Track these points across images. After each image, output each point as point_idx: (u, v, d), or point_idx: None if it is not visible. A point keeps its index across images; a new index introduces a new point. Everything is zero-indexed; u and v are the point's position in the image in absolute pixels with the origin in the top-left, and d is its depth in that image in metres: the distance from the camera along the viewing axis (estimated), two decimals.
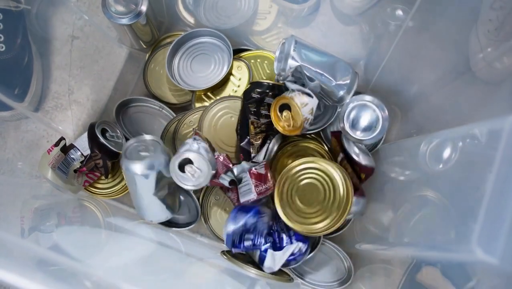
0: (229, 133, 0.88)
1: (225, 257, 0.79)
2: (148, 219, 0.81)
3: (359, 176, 0.82)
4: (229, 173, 0.78)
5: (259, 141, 0.83)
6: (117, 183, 0.89)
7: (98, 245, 0.75)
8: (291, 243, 0.77)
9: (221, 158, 0.78)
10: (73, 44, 0.94)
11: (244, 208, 0.77)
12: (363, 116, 0.78)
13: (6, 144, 0.89)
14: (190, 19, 0.94)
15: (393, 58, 0.84)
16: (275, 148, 0.85)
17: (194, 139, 0.76)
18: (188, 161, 0.75)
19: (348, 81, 0.79)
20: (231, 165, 0.79)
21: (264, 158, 0.83)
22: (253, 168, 0.78)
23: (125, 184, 0.89)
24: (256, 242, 0.77)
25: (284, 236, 0.77)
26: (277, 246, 0.77)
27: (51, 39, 0.93)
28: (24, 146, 0.90)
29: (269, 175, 0.78)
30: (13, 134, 0.90)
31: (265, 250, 0.77)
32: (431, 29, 0.81)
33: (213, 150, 0.78)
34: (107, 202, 0.90)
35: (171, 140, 0.88)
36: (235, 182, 0.78)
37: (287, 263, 0.77)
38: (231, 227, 0.76)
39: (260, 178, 0.77)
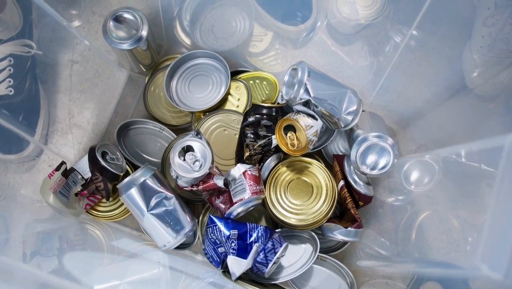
0: (222, 147, 0.89)
1: (226, 277, 0.79)
2: (160, 245, 0.80)
3: (357, 203, 0.83)
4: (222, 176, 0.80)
5: (254, 162, 0.84)
6: (118, 206, 0.89)
7: (101, 269, 0.75)
8: (251, 247, 0.77)
9: (214, 168, 0.80)
10: (73, 69, 0.94)
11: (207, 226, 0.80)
12: (378, 158, 0.79)
13: (7, 169, 0.89)
14: (189, 42, 0.96)
15: (391, 76, 0.86)
16: (271, 165, 0.85)
17: (197, 133, 0.78)
18: (188, 150, 0.77)
19: (354, 109, 0.80)
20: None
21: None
22: (248, 170, 0.79)
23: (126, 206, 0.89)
24: (227, 250, 0.78)
25: (240, 242, 0.78)
26: (241, 252, 0.77)
27: (51, 64, 0.94)
28: (25, 170, 0.91)
29: (261, 178, 0.82)
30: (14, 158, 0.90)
31: (226, 256, 0.78)
32: (426, 47, 0.82)
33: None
34: (109, 225, 0.90)
35: None
36: (229, 183, 0.79)
37: (258, 267, 0.77)
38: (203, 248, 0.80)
39: (254, 179, 0.79)
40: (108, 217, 0.89)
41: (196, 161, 0.76)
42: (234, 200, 0.78)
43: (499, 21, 0.73)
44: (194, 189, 0.79)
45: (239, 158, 0.85)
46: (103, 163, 0.82)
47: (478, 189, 0.56)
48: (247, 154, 0.83)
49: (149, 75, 0.95)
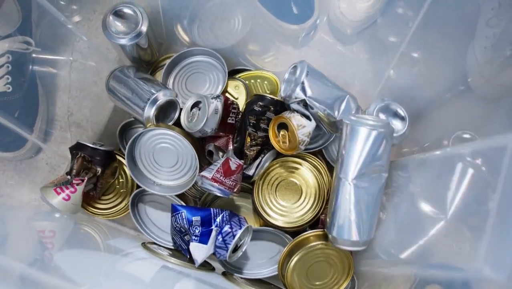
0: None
1: (226, 278, 0.79)
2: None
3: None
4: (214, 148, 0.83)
5: (253, 154, 0.83)
6: (117, 203, 0.89)
7: (97, 268, 0.74)
8: (211, 232, 0.77)
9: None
10: (72, 66, 0.94)
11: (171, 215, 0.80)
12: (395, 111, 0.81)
13: (5, 167, 0.89)
14: (189, 40, 0.95)
15: (392, 76, 0.85)
16: (267, 163, 0.84)
17: (218, 96, 0.80)
18: (196, 105, 0.81)
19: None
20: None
21: (255, 172, 0.83)
22: (231, 158, 0.80)
23: (124, 205, 0.89)
24: (190, 237, 0.78)
25: (203, 229, 0.77)
26: (204, 238, 0.77)
27: (51, 61, 0.93)
28: (23, 168, 0.90)
29: (237, 175, 0.80)
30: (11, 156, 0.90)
31: (188, 244, 0.78)
32: (429, 47, 0.82)
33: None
34: (106, 224, 0.89)
35: None
36: (211, 155, 0.82)
37: (219, 251, 0.77)
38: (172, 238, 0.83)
39: (227, 169, 0.78)
40: (107, 214, 0.88)
41: (193, 116, 0.79)
42: (201, 173, 0.78)
43: (503, 21, 0.73)
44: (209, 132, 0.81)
45: (240, 146, 0.83)
46: (91, 144, 0.82)
47: (481, 191, 0.55)
48: (248, 143, 0.82)
49: (148, 73, 0.94)
